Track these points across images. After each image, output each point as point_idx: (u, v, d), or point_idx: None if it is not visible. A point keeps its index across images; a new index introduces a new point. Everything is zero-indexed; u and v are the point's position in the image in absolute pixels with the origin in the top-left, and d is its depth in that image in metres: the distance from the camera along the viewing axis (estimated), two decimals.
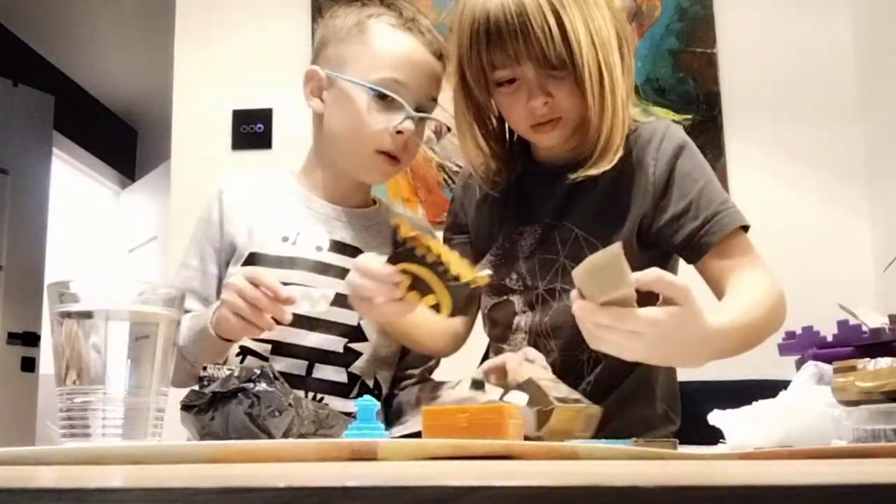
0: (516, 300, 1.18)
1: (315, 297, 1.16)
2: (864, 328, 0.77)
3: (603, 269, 0.78)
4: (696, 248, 1.08)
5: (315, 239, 1.21)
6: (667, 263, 1.13)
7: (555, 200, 1.17)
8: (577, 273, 0.81)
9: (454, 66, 1.14)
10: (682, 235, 1.09)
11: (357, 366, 1.17)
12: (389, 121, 1.15)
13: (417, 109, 1.18)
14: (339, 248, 1.21)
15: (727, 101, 2.25)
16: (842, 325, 0.79)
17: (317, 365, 1.16)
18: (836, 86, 2.23)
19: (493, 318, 1.21)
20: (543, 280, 1.15)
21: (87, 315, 0.63)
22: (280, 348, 1.15)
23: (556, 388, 0.86)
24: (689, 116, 2.23)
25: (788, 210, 2.20)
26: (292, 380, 1.08)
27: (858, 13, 2.24)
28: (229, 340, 1.08)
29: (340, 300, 1.16)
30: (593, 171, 1.10)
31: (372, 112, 1.16)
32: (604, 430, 0.92)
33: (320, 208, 1.25)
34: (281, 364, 1.13)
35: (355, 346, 1.18)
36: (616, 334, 0.82)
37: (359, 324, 1.18)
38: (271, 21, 2.47)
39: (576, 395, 0.89)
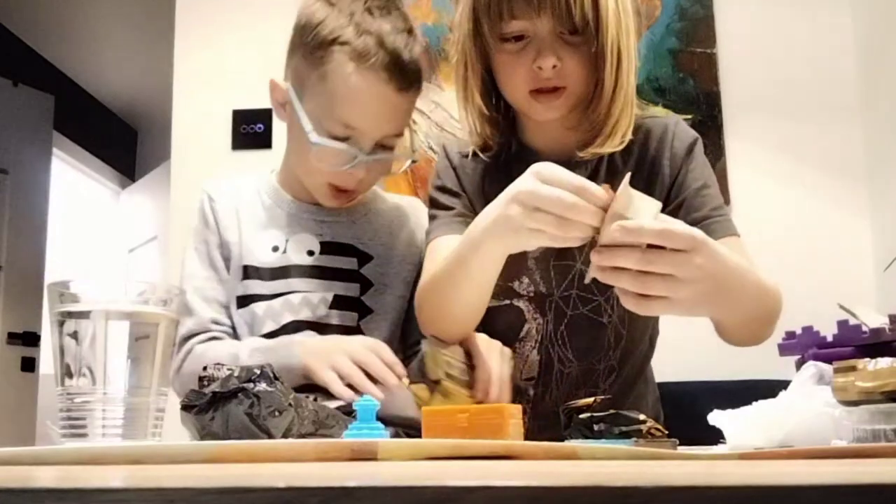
0: (524, 306, 1.12)
1: (314, 301, 1.17)
2: (864, 328, 0.77)
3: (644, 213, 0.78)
4: None
5: (305, 244, 1.21)
6: None
7: None
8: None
9: (467, 11, 1.07)
10: None
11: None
12: (339, 163, 1.13)
13: (377, 145, 1.15)
14: (331, 249, 1.21)
15: (727, 101, 2.25)
16: (842, 325, 0.78)
17: None
18: (836, 86, 2.23)
19: (496, 324, 1.11)
20: (559, 287, 1.11)
21: (87, 315, 0.63)
22: None
23: (448, 366, 0.86)
24: (689, 116, 2.23)
25: (788, 210, 2.20)
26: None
27: (858, 13, 2.24)
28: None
29: (339, 302, 1.17)
30: (603, 150, 1.05)
31: (325, 153, 1.13)
32: None
33: (304, 211, 1.24)
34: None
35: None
36: (664, 261, 0.78)
37: (358, 324, 1.18)
38: (271, 21, 2.46)
39: (466, 378, 0.89)
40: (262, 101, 2.42)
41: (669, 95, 2.25)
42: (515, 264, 1.10)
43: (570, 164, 1.06)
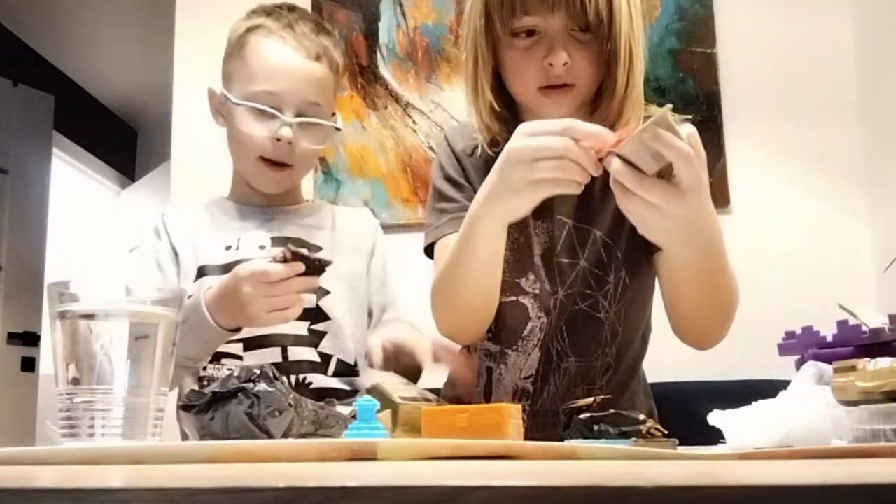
0: (530, 304, 1.12)
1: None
2: (864, 328, 0.77)
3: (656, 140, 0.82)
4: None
5: (256, 240, 1.27)
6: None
7: (571, 196, 1.08)
8: (632, 142, 0.82)
9: (479, 7, 1.07)
10: None
11: (324, 345, 1.24)
12: (267, 130, 1.22)
13: (299, 115, 1.23)
14: (282, 241, 1.25)
15: (727, 101, 2.25)
16: (842, 325, 0.78)
17: (290, 349, 1.22)
18: (836, 86, 2.23)
19: (502, 320, 1.12)
20: (563, 286, 1.11)
21: (87, 315, 0.63)
22: (250, 344, 1.20)
23: (405, 390, 0.86)
24: (689, 116, 2.23)
25: (788, 210, 2.20)
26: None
27: (858, 13, 2.24)
28: (233, 330, 1.12)
29: None
30: (613, 149, 1.05)
31: (251, 124, 1.23)
32: None
33: (254, 214, 1.31)
34: (256, 357, 1.19)
35: (317, 326, 1.24)
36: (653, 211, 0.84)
37: (317, 305, 1.24)
38: None
39: (427, 395, 0.89)
40: None
41: (669, 95, 2.25)
42: (523, 261, 1.11)
43: None
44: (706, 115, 2.24)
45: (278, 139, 1.21)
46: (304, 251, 1.07)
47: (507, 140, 1.10)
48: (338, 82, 1.30)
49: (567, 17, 1.01)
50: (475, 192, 1.12)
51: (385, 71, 2.38)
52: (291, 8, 1.30)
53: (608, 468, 0.38)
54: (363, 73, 2.38)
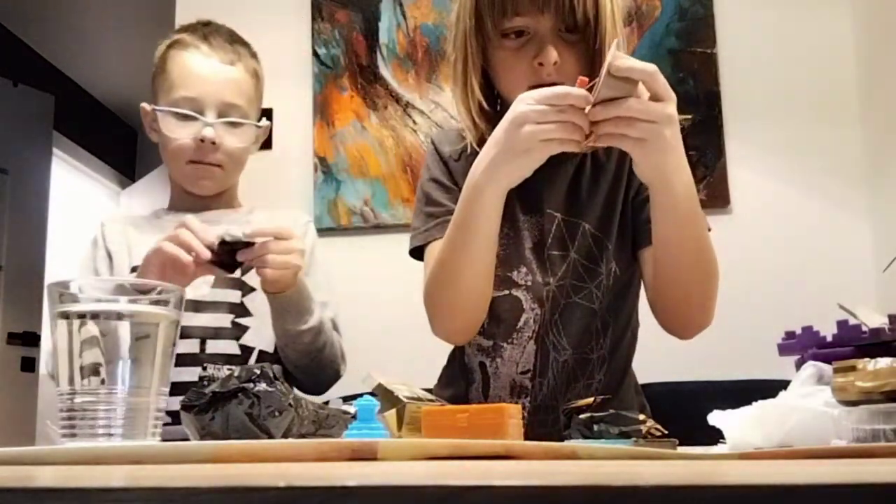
0: (523, 296, 1.14)
1: (196, 283, 1.25)
2: (864, 328, 0.77)
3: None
4: (647, 234, 1.11)
5: None
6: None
7: (559, 191, 1.15)
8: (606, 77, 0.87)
9: (469, 8, 1.10)
10: (640, 217, 1.13)
11: (247, 338, 1.30)
12: (190, 132, 1.30)
13: (221, 116, 1.31)
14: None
15: (727, 101, 2.25)
16: (842, 325, 0.78)
17: (209, 341, 1.28)
18: (836, 86, 2.23)
19: (495, 314, 1.14)
20: (555, 276, 1.13)
21: (87, 315, 0.63)
22: None
23: (409, 390, 0.86)
24: (689, 116, 2.23)
25: (788, 210, 2.20)
26: (187, 357, 1.23)
27: (858, 13, 2.24)
28: None
29: (220, 282, 1.30)
30: (597, 144, 1.05)
31: (175, 129, 1.31)
32: None
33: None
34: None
35: (241, 320, 1.30)
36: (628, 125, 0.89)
37: (242, 301, 1.30)
38: (271, 21, 2.47)
39: (428, 396, 0.90)
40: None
41: None
42: (514, 255, 1.14)
43: (561, 157, 1.11)
44: (706, 115, 2.24)
45: (202, 140, 1.29)
46: (238, 236, 1.13)
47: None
48: (258, 87, 1.39)
49: (556, 18, 1.04)
50: (458, 190, 1.14)
51: (385, 71, 2.38)
52: (206, 24, 1.43)
53: (608, 468, 0.38)
54: (363, 73, 2.38)
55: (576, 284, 1.13)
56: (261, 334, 1.30)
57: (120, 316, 0.64)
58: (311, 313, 1.28)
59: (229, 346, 1.29)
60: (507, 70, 1.09)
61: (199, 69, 1.32)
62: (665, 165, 0.95)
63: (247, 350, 1.29)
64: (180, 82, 1.32)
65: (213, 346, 1.28)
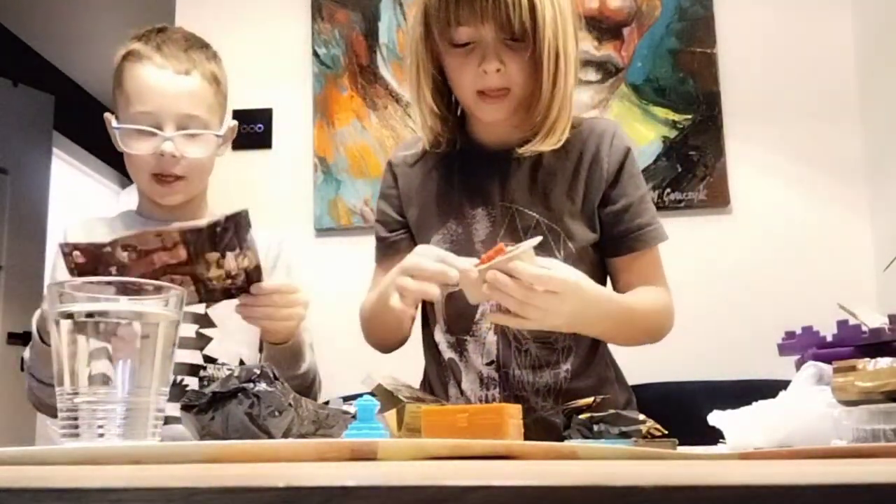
0: None
1: None
2: (864, 328, 0.77)
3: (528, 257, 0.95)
4: (620, 246, 1.19)
5: None
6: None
7: (508, 183, 1.19)
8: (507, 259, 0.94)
9: (419, 16, 1.16)
10: (614, 231, 1.18)
11: (210, 348, 1.29)
12: (150, 147, 1.28)
13: (181, 128, 1.29)
14: None
15: (727, 101, 2.25)
16: (842, 325, 0.78)
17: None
18: (836, 86, 2.23)
19: (453, 310, 1.20)
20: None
21: (88, 315, 0.63)
22: None
23: (408, 390, 0.87)
24: (689, 116, 2.23)
25: (788, 210, 2.20)
26: None
27: (858, 13, 2.24)
28: None
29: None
30: (541, 148, 1.15)
31: (135, 145, 1.30)
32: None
33: (156, 225, 1.34)
34: None
35: (205, 331, 1.29)
36: (541, 298, 0.95)
37: (206, 312, 1.29)
38: (271, 21, 2.47)
39: (429, 396, 0.91)
40: (261, 102, 2.43)
41: (669, 95, 2.25)
42: (464, 249, 1.17)
43: (511, 159, 1.20)
44: (706, 115, 2.23)
45: (162, 154, 1.27)
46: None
47: (447, 141, 1.23)
48: (219, 92, 1.37)
49: (496, 27, 1.09)
50: (400, 198, 1.27)
51: (385, 71, 2.38)
52: (161, 30, 1.38)
53: (608, 468, 0.38)
54: (363, 73, 2.38)
55: None
56: (224, 345, 1.30)
57: (120, 316, 0.63)
58: (304, 359, 1.27)
59: (191, 356, 1.28)
60: (456, 76, 1.15)
61: (154, 82, 1.30)
62: (577, 327, 1.07)
63: (210, 360, 1.29)
64: (136, 97, 1.30)
65: (177, 356, 1.27)
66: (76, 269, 0.99)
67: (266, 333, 1.21)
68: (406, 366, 1.22)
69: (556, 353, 1.17)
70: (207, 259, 1.02)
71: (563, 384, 1.16)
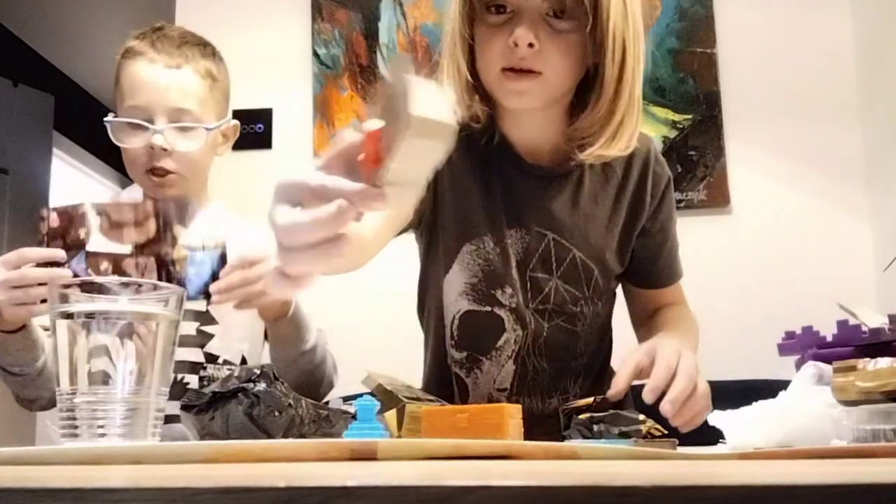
0: (506, 316, 1.09)
1: None
2: (864, 328, 0.77)
3: None
4: (654, 280, 1.16)
5: None
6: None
7: (547, 206, 1.08)
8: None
9: None
10: (650, 266, 1.15)
11: (211, 346, 1.28)
12: (141, 141, 1.28)
13: (171, 122, 1.29)
14: None
15: (727, 101, 2.25)
16: (842, 325, 0.78)
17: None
18: (836, 86, 2.23)
19: (473, 327, 1.10)
20: (537, 300, 1.09)
21: (87, 315, 0.63)
22: None
23: (408, 390, 0.86)
24: (689, 116, 2.23)
25: (788, 210, 2.20)
26: None
27: (858, 13, 2.24)
28: (14, 332, 1.12)
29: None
30: (608, 153, 0.99)
31: (127, 139, 1.30)
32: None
33: None
34: None
35: (206, 328, 1.29)
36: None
37: (207, 309, 1.28)
38: (271, 21, 2.47)
39: (429, 396, 0.89)
40: (261, 102, 2.43)
41: (669, 95, 2.25)
42: (500, 273, 1.07)
43: (553, 176, 1.07)
44: (706, 115, 2.23)
45: (152, 147, 1.27)
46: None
47: (485, 127, 1.05)
48: (214, 87, 1.37)
49: None
50: (439, 210, 1.09)
51: (385, 71, 2.38)
52: (158, 28, 1.39)
53: (608, 468, 0.38)
54: (363, 73, 2.38)
55: (559, 309, 1.09)
56: (226, 342, 1.29)
57: (120, 316, 0.63)
58: (309, 332, 1.27)
59: (192, 354, 1.27)
60: (483, 48, 0.98)
61: (145, 76, 1.31)
62: None
63: (211, 358, 1.28)
64: (129, 92, 1.31)
65: (177, 354, 1.26)
66: (48, 234, 1.02)
67: (261, 313, 1.20)
68: (412, 366, 1.22)
69: (566, 378, 1.13)
70: (175, 234, 1.04)
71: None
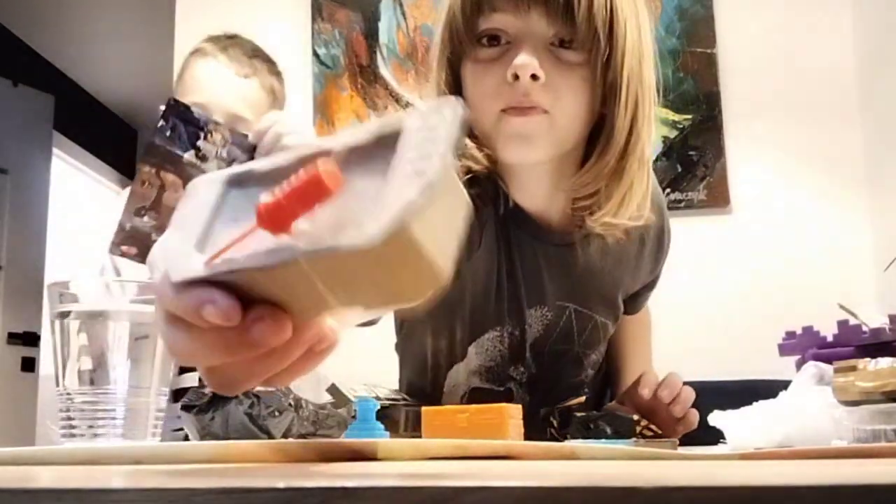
0: (516, 389, 1.02)
1: None
2: (864, 328, 0.77)
3: None
4: (630, 309, 1.11)
5: None
6: None
7: (568, 278, 0.96)
8: None
9: (443, 18, 0.86)
10: (629, 300, 1.10)
11: None
12: None
13: (227, 125, 1.34)
14: None
15: (727, 101, 2.25)
16: (842, 325, 0.78)
17: None
18: (836, 86, 2.24)
19: (482, 399, 0.98)
20: (551, 370, 1.02)
21: (87, 315, 0.63)
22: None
23: (367, 389, 0.85)
24: (689, 116, 2.23)
25: (788, 210, 2.20)
26: None
27: (858, 13, 2.24)
28: None
29: None
30: (616, 221, 0.85)
31: None
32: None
33: None
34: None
35: None
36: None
37: None
38: (271, 21, 2.47)
39: (386, 394, 0.86)
40: None
41: (669, 95, 2.25)
42: (515, 355, 1.00)
43: (572, 244, 0.93)
44: (706, 115, 2.24)
45: None
46: None
47: (489, 190, 0.89)
48: (274, 105, 1.38)
49: (546, 20, 0.77)
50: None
51: (385, 71, 2.38)
52: (232, 36, 1.41)
53: (608, 468, 0.38)
54: (363, 73, 2.38)
55: (571, 370, 1.05)
56: None
57: (120, 316, 0.63)
58: None
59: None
60: (475, 88, 0.81)
61: (210, 77, 1.33)
62: None
63: None
64: (192, 88, 1.33)
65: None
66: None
67: None
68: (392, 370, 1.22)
69: (573, 398, 1.12)
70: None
71: None
